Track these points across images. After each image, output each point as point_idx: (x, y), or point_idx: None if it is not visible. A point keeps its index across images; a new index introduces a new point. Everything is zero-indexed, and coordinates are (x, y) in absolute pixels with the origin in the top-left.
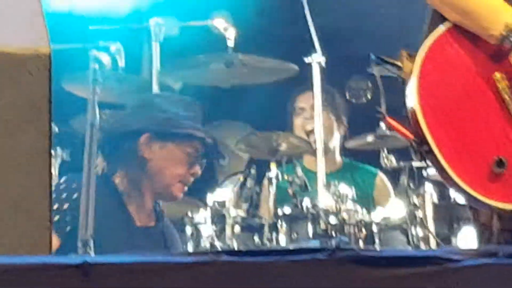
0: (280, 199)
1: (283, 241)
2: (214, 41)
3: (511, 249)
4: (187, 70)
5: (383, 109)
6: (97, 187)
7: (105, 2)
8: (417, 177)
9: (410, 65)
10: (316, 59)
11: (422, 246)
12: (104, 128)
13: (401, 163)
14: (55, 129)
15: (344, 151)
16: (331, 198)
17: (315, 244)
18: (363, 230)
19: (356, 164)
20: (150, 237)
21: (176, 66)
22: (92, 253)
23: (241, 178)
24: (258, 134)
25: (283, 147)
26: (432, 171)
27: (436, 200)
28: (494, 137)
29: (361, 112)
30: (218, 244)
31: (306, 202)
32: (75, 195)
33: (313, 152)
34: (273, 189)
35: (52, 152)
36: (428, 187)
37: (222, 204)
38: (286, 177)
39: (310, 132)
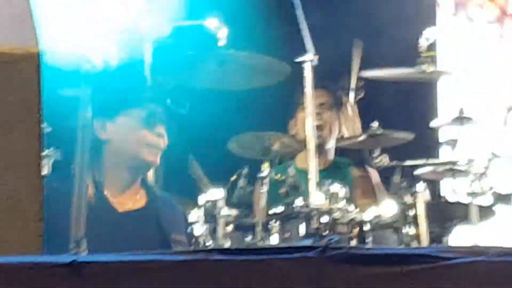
0: (273, 199)
1: (275, 241)
2: (206, 41)
3: (500, 247)
4: (179, 69)
5: None
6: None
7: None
8: (409, 176)
9: None
10: (308, 58)
11: (414, 244)
12: None
13: (394, 162)
14: (48, 128)
15: (336, 150)
16: (323, 197)
17: (307, 243)
18: (355, 228)
19: (344, 160)
20: (140, 221)
21: (168, 66)
22: (85, 253)
23: (234, 178)
24: (251, 134)
25: (276, 147)
26: (424, 170)
27: (428, 199)
28: None
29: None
30: (210, 243)
31: (298, 202)
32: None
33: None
34: (265, 189)
35: (46, 151)
36: (420, 186)
37: (214, 203)
38: (278, 177)
39: (317, 128)
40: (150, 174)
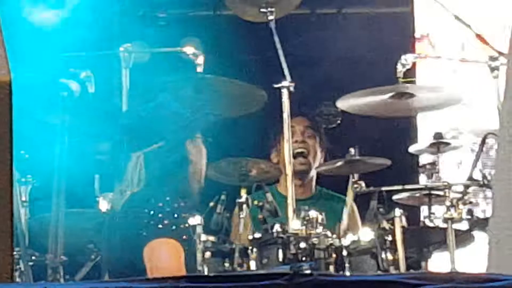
0: (251, 225)
1: (253, 266)
2: (184, 67)
3: (468, 274)
4: (157, 96)
5: None
6: None
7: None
8: (387, 202)
9: None
10: (285, 85)
11: (392, 270)
12: None
13: (371, 188)
14: (25, 155)
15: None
16: (301, 223)
17: (285, 269)
18: (333, 254)
19: (327, 191)
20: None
21: (146, 92)
22: (62, 280)
23: (212, 204)
24: (228, 160)
25: (253, 172)
26: (401, 195)
27: (405, 224)
28: None
29: (330, 138)
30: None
31: (276, 227)
32: None
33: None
34: (243, 215)
35: (23, 179)
36: (398, 212)
37: (193, 229)
38: (256, 203)
39: (298, 155)
40: None
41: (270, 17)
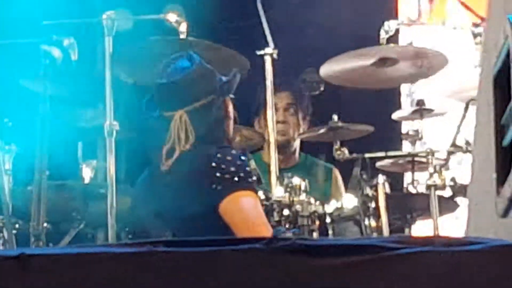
0: None
1: None
2: (167, 34)
3: (447, 237)
4: (140, 63)
5: None
6: None
7: None
8: (370, 168)
9: None
10: (269, 52)
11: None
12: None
13: (354, 155)
14: (9, 123)
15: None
16: (284, 190)
17: None
18: (317, 221)
19: (312, 159)
20: None
21: (129, 60)
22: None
23: None
24: None
25: (236, 139)
26: (385, 162)
27: (389, 191)
28: None
29: (313, 104)
30: None
31: (259, 194)
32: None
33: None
34: None
35: (6, 146)
36: (381, 178)
37: None
38: None
39: (278, 133)
40: None
41: None
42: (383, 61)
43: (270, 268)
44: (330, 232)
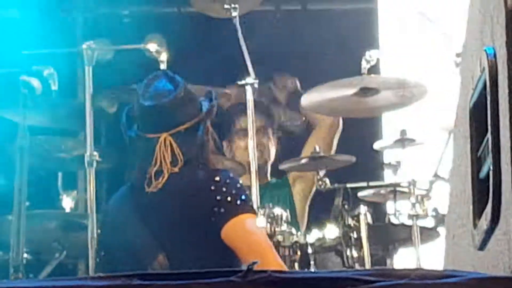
0: None
1: None
2: (147, 64)
3: (422, 270)
4: (121, 93)
5: None
6: None
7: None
8: (352, 198)
9: None
10: (250, 82)
11: (357, 267)
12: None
13: (336, 185)
14: None
15: (278, 172)
16: (265, 221)
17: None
18: (298, 252)
19: (271, 181)
20: None
21: (110, 90)
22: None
23: None
24: None
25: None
26: (366, 192)
27: (370, 221)
28: None
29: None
30: None
31: None
32: None
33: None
34: None
35: None
36: (363, 208)
37: None
38: None
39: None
40: None
41: (234, 14)
42: (365, 91)
43: None
44: (311, 262)
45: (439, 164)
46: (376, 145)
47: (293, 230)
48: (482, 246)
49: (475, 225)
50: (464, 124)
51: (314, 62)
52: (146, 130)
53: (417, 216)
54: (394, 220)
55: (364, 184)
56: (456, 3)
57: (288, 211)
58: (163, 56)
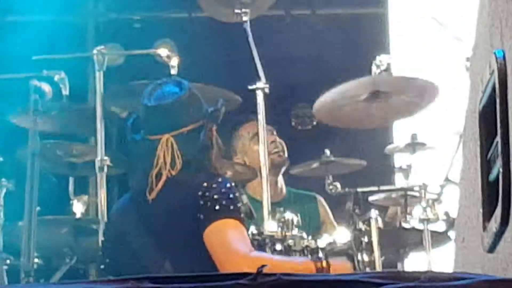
0: None
1: None
2: (158, 69)
3: (432, 272)
4: (132, 98)
5: None
6: None
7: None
8: (363, 203)
9: None
10: (260, 86)
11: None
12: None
13: (346, 189)
14: (0, 159)
15: (289, 177)
16: (276, 225)
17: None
18: (309, 256)
19: (296, 191)
20: None
21: (121, 95)
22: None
23: None
24: None
25: (229, 174)
26: (377, 196)
27: (381, 225)
28: None
29: (305, 139)
30: None
31: (252, 229)
32: None
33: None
34: None
35: None
36: (374, 213)
37: None
38: None
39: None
40: None
41: (245, 18)
42: (376, 95)
43: None
44: None
45: (450, 168)
46: (387, 149)
47: (304, 234)
48: (492, 249)
49: (484, 228)
50: (474, 127)
51: (324, 66)
52: (149, 132)
53: (428, 220)
54: (405, 224)
55: (375, 188)
56: (468, 7)
57: (299, 215)
58: (174, 61)
